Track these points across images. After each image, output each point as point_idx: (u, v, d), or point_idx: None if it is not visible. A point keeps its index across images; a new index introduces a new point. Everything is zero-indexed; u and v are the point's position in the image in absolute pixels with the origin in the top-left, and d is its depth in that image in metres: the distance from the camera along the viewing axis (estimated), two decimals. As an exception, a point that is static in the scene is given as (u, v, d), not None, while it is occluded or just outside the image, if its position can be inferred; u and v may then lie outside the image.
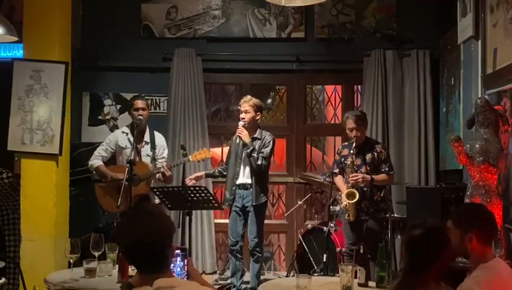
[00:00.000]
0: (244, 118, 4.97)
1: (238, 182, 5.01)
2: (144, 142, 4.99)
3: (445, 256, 2.30)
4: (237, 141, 5.00)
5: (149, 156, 4.98)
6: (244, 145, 4.91)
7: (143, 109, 4.91)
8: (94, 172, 5.00)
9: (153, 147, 4.99)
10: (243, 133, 4.91)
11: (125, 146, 4.92)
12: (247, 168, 4.99)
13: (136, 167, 4.72)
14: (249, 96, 5.09)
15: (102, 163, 4.93)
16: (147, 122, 5.00)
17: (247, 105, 4.99)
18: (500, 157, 3.89)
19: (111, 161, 5.06)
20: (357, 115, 4.89)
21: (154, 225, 2.04)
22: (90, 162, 4.97)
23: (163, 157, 5.04)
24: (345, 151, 4.96)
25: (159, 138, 5.09)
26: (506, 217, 3.88)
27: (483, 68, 4.59)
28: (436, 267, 2.27)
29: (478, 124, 3.99)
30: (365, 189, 4.81)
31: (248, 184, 4.98)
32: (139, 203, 4.55)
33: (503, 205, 3.88)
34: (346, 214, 4.81)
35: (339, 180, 5.01)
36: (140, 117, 4.86)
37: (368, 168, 4.83)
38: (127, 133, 4.99)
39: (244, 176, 5.01)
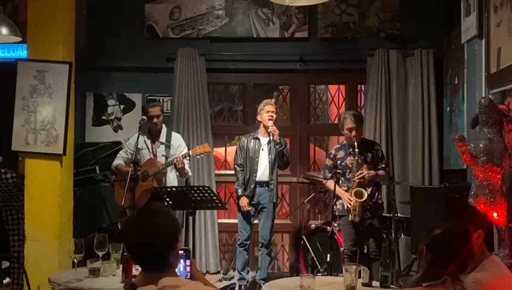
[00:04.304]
0: (272, 118, 5.22)
1: (256, 179, 5.28)
2: (159, 143, 5.12)
3: (464, 254, 2.36)
4: (251, 142, 5.32)
5: (164, 155, 5.08)
6: (277, 143, 5.18)
7: (157, 117, 5.06)
8: (115, 171, 5.25)
9: (168, 147, 5.09)
10: (277, 132, 5.17)
11: (142, 147, 5.08)
12: (263, 166, 5.28)
13: (146, 164, 5.00)
14: (271, 100, 5.52)
15: (122, 163, 5.16)
16: (162, 124, 5.16)
17: (273, 107, 5.30)
18: (504, 156, 3.88)
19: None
20: (355, 114, 4.88)
21: (158, 225, 2.04)
22: (113, 163, 5.24)
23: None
24: (341, 154, 4.92)
25: (176, 139, 5.21)
26: (510, 216, 3.87)
27: (487, 67, 4.59)
28: (455, 264, 2.32)
29: (482, 123, 3.98)
30: (368, 189, 4.78)
31: (264, 182, 5.26)
32: (148, 202, 4.61)
33: (508, 204, 3.87)
34: (351, 215, 4.76)
35: (331, 184, 4.92)
36: (144, 117, 4.95)
37: (368, 167, 4.82)
38: (144, 135, 5.09)
39: (261, 174, 5.28)
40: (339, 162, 4.93)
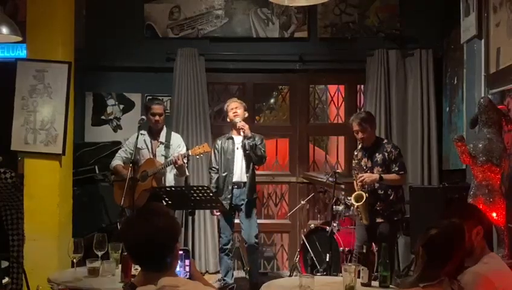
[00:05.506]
0: (238, 114, 5.18)
1: (233, 180, 5.19)
2: (159, 143, 5.11)
3: (461, 253, 2.35)
4: (225, 143, 5.25)
5: (163, 155, 5.06)
6: (249, 138, 5.11)
7: (160, 115, 5.05)
8: (114, 171, 5.23)
9: (167, 147, 5.08)
10: (246, 127, 5.12)
11: (142, 147, 5.07)
12: (239, 166, 5.21)
13: (145, 164, 4.97)
14: (235, 98, 5.44)
15: (121, 163, 5.14)
16: (163, 124, 5.16)
17: (237, 104, 5.25)
18: (504, 156, 3.89)
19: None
20: (361, 117, 4.82)
21: (157, 225, 2.04)
22: (111, 162, 5.21)
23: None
24: (359, 155, 4.90)
25: (175, 139, 5.19)
26: (509, 216, 3.88)
27: (486, 68, 4.59)
28: (452, 264, 2.32)
29: (481, 123, 3.99)
30: (380, 192, 4.74)
31: (242, 183, 5.19)
32: (147, 202, 4.61)
33: (507, 204, 3.87)
34: (359, 217, 4.76)
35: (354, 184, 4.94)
36: (143, 117, 4.95)
37: (380, 169, 4.74)
38: (143, 134, 5.08)
39: (238, 174, 5.21)
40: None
